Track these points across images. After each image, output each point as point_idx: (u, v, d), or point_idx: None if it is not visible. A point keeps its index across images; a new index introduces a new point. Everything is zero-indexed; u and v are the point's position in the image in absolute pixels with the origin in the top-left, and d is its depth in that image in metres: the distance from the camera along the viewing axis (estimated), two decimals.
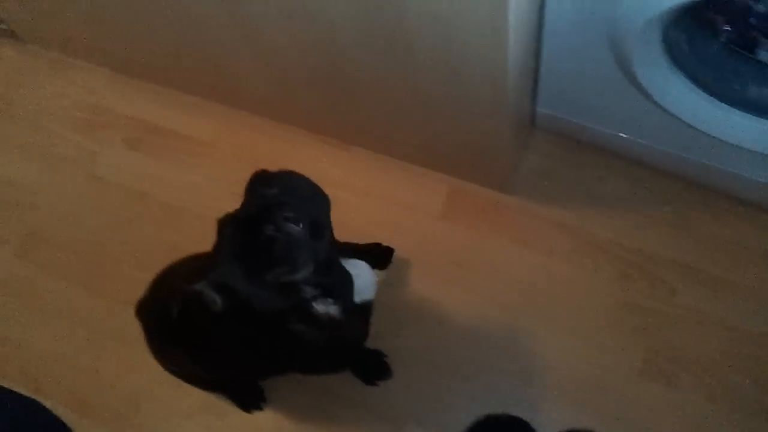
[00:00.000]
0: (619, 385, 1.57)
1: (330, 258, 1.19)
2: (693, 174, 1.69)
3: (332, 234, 1.22)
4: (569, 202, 1.74)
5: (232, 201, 1.78)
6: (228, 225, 1.13)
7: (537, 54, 1.52)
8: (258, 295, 1.12)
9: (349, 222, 1.74)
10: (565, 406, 1.57)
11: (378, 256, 1.69)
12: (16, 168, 2.00)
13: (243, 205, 1.16)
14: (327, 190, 1.79)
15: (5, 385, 1.09)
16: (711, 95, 1.44)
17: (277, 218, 1.10)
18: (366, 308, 1.36)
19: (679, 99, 1.45)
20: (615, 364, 1.59)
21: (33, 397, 1.11)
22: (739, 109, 1.44)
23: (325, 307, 1.14)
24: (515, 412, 1.54)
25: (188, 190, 1.89)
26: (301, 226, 1.11)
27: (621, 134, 1.66)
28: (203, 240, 1.23)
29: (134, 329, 1.47)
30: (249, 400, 1.65)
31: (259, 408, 1.64)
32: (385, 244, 1.72)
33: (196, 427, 1.65)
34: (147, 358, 1.49)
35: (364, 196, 1.82)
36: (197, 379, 1.57)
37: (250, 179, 1.18)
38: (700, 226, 1.69)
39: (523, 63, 1.41)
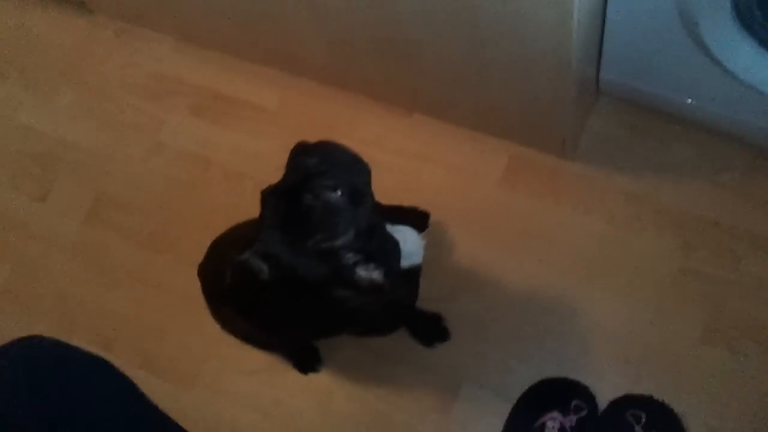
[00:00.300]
0: (679, 351, 1.55)
1: (372, 224, 1.21)
2: (760, 140, 1.65)
3: (374, 201, 1.23)
4: (632, 169, 1.71)
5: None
6: (270, 195, 1.16)
7: (602, 18, 1.50)
8: (301, 263, 1.15)
9: (410, 187, 1.77)
10: (624, 371, 1.56)
11: (415, 219, 1.69)
12: (85, 134, 2.05)
13: (284, 175, 1.19)
14: (388, 157, 1.83)
15: (75, 344, 1.13)
16: None
17: (315, 187, 1.12)
18: (414, 272, 1.39)
19: (749, 64, 1.41)
20: (675, 330, 1.57)
21: (102, 354, 1.15)
22: None
23: (368, 273, 1.16)
24: (573, 376, 1.55)
25: (251, 158, 1.92)
26: (340, 193, 1.13)
27: (687, 100, 1.63)
28: None
29: (199, 290, 1.52)
30: (305, 361, 1.68)
31: (315, 370, 1.68)
32: (428, 208, 1.72)
33: (257, 384, 1.69)
34: (211, 318, 1.54)
35: (425, 162, 1.83)
36: (254, 339, 1.61)
37: (291, 150, 1.21)
38: (767, 193, 1.65)
39: (587, 26, 1.39)
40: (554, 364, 1.58)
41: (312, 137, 1.88)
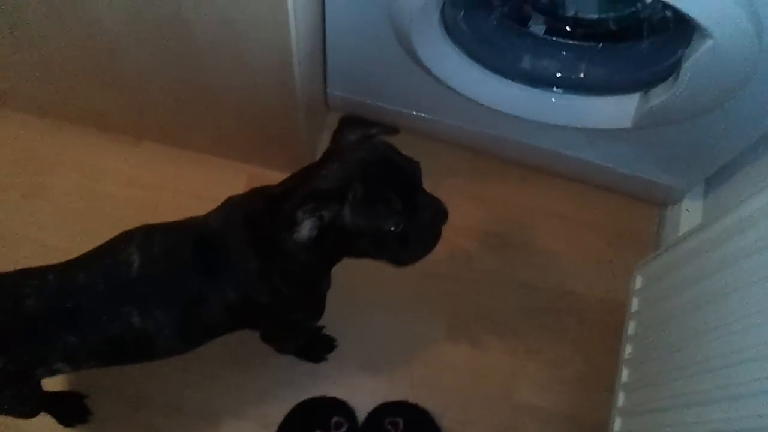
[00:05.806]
0: (429, 351, 1.63)
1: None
2: (481, 144, 1.76)
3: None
4: None
5: (9, 207, 1.66)
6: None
7: (323, 36, 1.52)
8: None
9: (153, 220, 1.68)
10: (379, 380, 1.60)
11: None
12: None
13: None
14: (121, 190, 1.73)
15: None
16: (488, 69, 1.50)
17: None
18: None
19: (458, 74, 1.50)
20: (423, 332, 1.64)
21: None
22: (514, 81, 1.51)
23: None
24: (331, 393, 1.57)
25: None
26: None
27: (411, 111, 1.70)
28: None
29: None
30: (70, 413, 1.53)
31: (84, 420, 1.54)
32: None
33: None
34: None
35: (163, 192, 1.76)
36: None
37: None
38: (491, 193, 1.77)
39: (308, 47, 1.41)
40: (311, 384, 1.59)
41: (32, 175, 1.76)
